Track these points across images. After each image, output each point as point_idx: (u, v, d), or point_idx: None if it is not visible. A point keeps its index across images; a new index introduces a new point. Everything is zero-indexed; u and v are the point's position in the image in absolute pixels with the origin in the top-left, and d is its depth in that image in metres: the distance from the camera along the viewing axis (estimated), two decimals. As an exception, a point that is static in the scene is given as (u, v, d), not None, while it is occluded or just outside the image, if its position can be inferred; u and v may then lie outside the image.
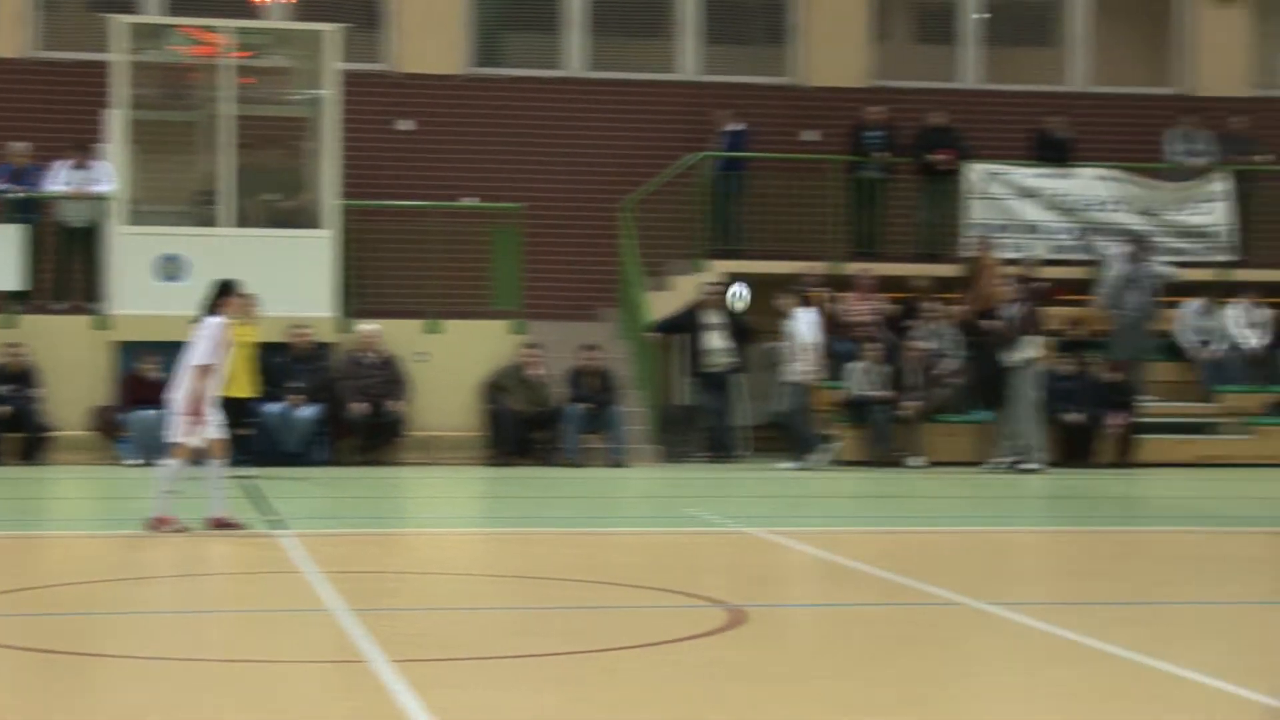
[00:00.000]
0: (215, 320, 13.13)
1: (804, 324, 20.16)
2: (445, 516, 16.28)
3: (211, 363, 12.98)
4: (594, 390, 20.63)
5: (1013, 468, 19.69)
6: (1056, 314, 22.15)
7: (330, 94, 21.07)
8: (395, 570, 11.95)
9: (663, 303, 21.90)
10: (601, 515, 16.47)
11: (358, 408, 20.09)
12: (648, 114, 24.17)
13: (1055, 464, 20.50)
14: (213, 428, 13.05)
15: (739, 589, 11.00)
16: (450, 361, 20.82)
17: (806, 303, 20.36)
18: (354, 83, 22.09)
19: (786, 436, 20.44)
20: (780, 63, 24.94)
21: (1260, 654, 8.72)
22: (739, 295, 16.54)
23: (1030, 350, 19.86)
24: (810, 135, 24.32)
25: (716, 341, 20.83)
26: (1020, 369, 19.82)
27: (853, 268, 22.13)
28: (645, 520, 15.87)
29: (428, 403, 20.69)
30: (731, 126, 22.96)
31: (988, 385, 20.07)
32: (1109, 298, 21.90)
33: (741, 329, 21.02)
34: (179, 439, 13.02)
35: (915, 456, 20.37)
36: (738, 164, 22.83)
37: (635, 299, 22.00)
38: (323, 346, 20.57)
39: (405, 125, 23.95)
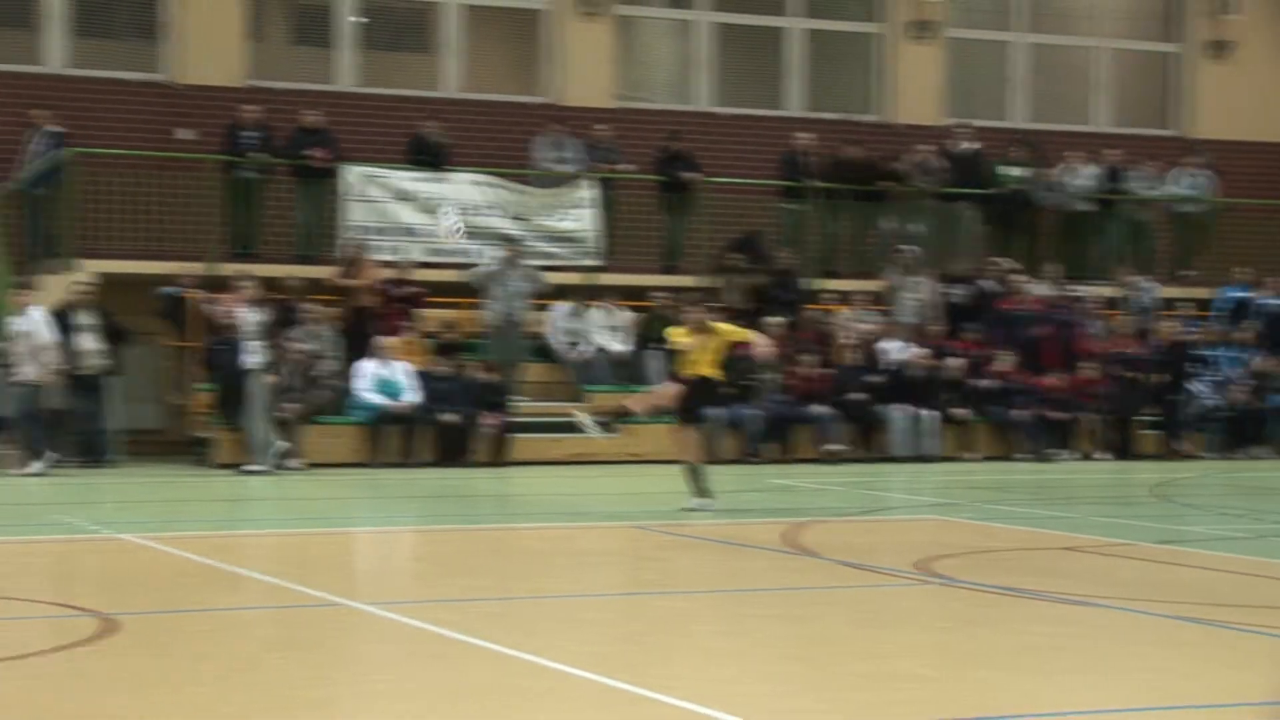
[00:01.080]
0: None
1: (38, 322, 19.73)
2: None
3: None
4: (-45, 394, 19.77)
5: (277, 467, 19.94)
6: (432, 316, 22.61)
7: None
8: None
9: (32, 302, 21.13)
10: (-35, 525, 15.86)
11: None
12: (14, 108, 23.28)
13: (432, 464, 20.95)
14: None
15: (113, 597, 10.82)
16: None
17: (37, 300, 19.93)
18: None
19: (21, 439, 19.87)
20: (153, 59, 24.48)
21: (615, 643, 9.22)
22: (458, 228, 15.42)
23: (264, 355, 20.12)
24: (186, 134, 23.99)
25: (88, 343, 20.31)
26: (255, 372, 20.05)
27: (230, 269, 21.98)
28: (12, 528, 15.34)
29: None
30: (50, 128, 22.38)
31: (229, 390, 20.21)
32: (493, 302, 22.41)
33: (115, 330, 20.58)
34: None
35: (294, 458, 20.38)
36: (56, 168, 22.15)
37: (0, 299, 21.18)
38: None
39: None
